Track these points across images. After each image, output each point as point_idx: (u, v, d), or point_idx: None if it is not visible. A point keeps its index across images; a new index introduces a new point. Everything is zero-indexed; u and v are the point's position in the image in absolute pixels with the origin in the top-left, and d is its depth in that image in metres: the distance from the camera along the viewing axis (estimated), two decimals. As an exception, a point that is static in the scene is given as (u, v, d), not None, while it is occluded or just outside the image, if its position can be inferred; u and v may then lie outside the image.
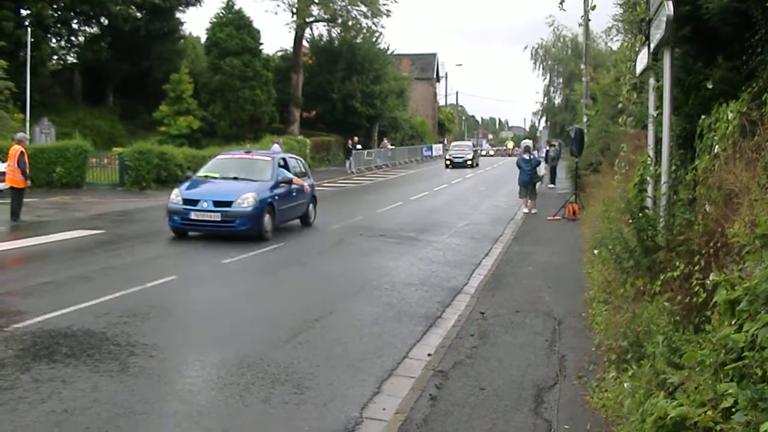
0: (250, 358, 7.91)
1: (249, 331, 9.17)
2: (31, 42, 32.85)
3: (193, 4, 48.33)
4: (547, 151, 36.51)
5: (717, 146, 7.07)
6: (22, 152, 18.77)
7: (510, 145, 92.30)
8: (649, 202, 9.64)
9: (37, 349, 7.95)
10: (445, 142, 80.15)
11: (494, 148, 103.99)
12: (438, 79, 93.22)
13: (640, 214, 8.60)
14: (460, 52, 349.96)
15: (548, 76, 76.25)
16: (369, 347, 8.65)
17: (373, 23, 53.43)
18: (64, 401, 6.46)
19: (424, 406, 6.59)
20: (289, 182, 17.81)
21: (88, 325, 8.93)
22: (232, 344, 8.50)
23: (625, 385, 5.78)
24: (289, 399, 6.78)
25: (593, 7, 9.24)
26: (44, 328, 8.73)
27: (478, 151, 66.20)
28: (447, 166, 53.06)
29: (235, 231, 15.88)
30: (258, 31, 46.86)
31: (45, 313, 9.29)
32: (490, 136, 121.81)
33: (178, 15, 48.58)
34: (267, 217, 16.48)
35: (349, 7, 51.44)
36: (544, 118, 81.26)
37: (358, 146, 47.55)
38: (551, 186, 33.10)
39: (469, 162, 54.01)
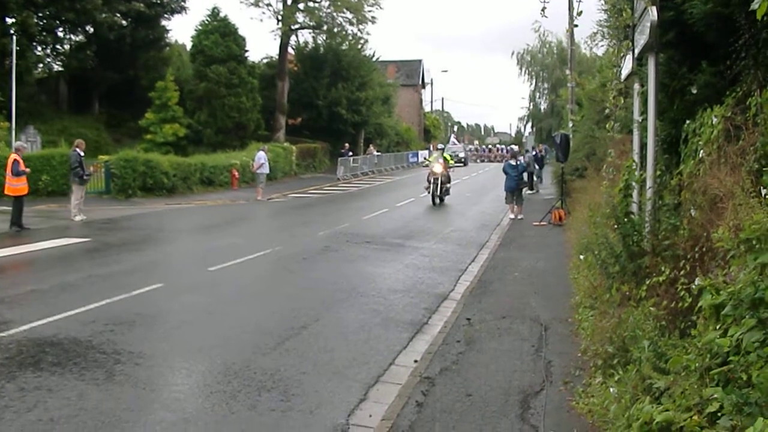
0: (236, 365, 7.90)
1: (235, 338, 9.14)
2: (17, 50, 32.55)
3: (179, 12, 48.35)
4: (535, 155, 36.46)
5: (702, 151, 7.08)
6: (15, 159, 18.87)
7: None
8: (634, 207, 9.65)
9: (22, 358, 7.91)
10: (431, 148, 79.71)
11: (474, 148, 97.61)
12: (423, 86, 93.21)
13: (626, 220, 8.62)
14: (445, 58, 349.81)
15: (534, 82, 76.78)
16: (355, 354, 8.63)
17: (359, 30, 53.36)
18: (50, 410, 6.43)
19: (410, 412, 6.59)
20: None
21: (74, 333, 8.89)
22: (219, 351, 8.47)
23: (611, 390, 5.78)
24: (276, 406, 6.77)
25: (579, 13, 9.23)
26: (30, 336, 8.70)
27: None
28: None
29: None
30: (243, 39, 46.81)
31: (31, 322, 9.26)
32: (476, 142, 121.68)
33: (164, 23, 48.66)
34: None
35: (334, 14, 51.39)
36: (530, 124, 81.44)
37: (350, 153, 47.70)
38: (530, 192, 32.90)
39: None
